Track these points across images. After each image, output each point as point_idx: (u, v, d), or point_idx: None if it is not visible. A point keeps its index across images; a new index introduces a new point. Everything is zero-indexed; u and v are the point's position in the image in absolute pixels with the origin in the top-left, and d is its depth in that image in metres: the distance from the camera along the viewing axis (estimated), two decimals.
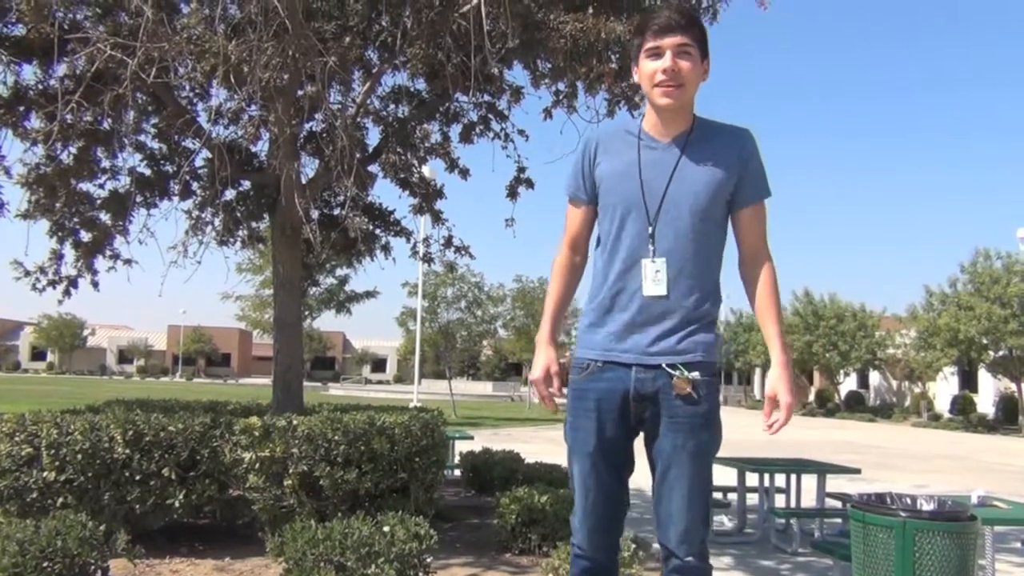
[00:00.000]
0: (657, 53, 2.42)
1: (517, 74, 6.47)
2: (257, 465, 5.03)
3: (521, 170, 7.22)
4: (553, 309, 2.69)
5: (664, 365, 2.43)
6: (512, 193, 7.21)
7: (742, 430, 15.77)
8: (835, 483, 7.77)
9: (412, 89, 7.13)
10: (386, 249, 7.86)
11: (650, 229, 2.46)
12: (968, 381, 37.66)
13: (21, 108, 6.12)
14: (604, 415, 2.49)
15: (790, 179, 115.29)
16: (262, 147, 7.09)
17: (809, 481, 7.22)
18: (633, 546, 4.62)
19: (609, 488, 2.53)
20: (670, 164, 2.48)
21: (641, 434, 2.56)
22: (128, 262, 7.07)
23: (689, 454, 2.43)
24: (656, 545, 2.68)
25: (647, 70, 2.45)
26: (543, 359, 2.58)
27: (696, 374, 2.41)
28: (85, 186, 6.79)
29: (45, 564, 3.87)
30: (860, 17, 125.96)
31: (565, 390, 2.63)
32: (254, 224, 7.69)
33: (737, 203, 2.52)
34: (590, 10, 5.33)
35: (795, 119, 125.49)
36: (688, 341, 2.45)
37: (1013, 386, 31.84)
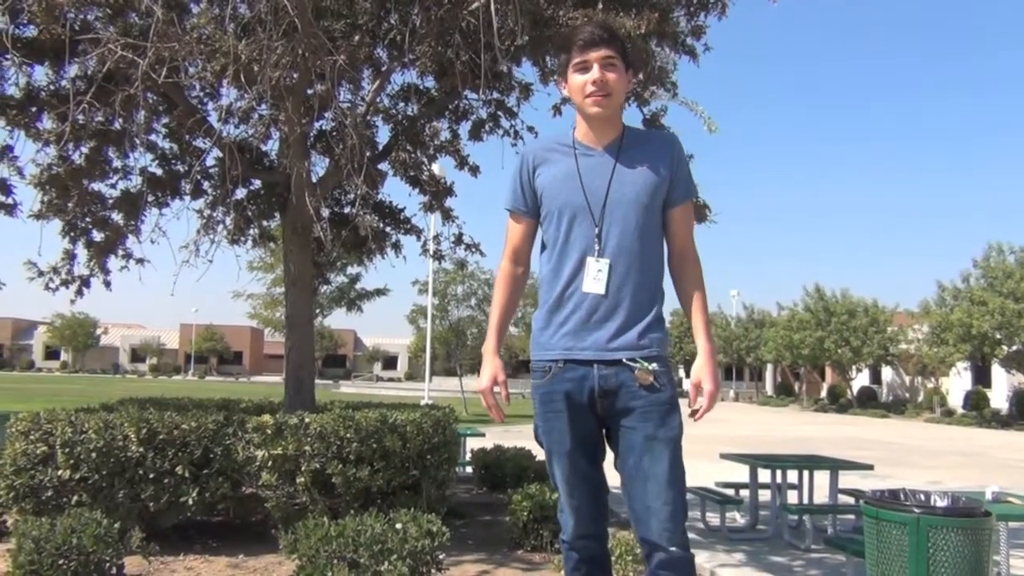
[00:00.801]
0: (584, 67, 2.57)
1: (526, 71, 6.50)
2: (270, 463, 5.05)
3: None
4: (498, 320, 2.77)
5: (624, 359, 2.53)
6: None
7: (753, 426, 15.72)
8: (848, 479, 7.74)
9: (421, 87, 7.14)
10: (396, 247, 7.88)
11: (596, 230, 2.57)
12: (981, 376, 37.42)
13: (33, 109, 6.16)
14: (574, 413, 2.57)
15: (804, 177, 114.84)
16: (272, 146, 7.12)
17: (822, 477, 7.19)
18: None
19: (591, 479, 2.63)
20: (607, 168, 2.61)
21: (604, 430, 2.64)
22: (140, 261, 7.11)
23: (662, 441, 2.50)
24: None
25: (576, 83, 2.59)
26: (490, 369, 2.67)
27: (655, 365, 2.52)
28: (97, 186, 6.83)
29: (61, 561, 3.90)
30: (874, 19, 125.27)
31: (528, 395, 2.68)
32: (265, 223, 7.72)
33: (668, 203, 2.66)
34: (599, 6, 5.32)
35: (807, 117, 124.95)
36: (646, 338, 2.55)
37: None
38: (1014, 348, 30.48)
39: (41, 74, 6.19)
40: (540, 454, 8.41)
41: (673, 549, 2.45)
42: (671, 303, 2.72)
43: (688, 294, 2.67)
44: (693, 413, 2.55)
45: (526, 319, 34.38)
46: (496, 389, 2.65)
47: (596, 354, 2.54)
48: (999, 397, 35.04)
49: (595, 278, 2.55)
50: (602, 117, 2.60)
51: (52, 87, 6.19)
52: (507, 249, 2.79)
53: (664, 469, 2.48)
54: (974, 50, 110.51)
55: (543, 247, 2.72)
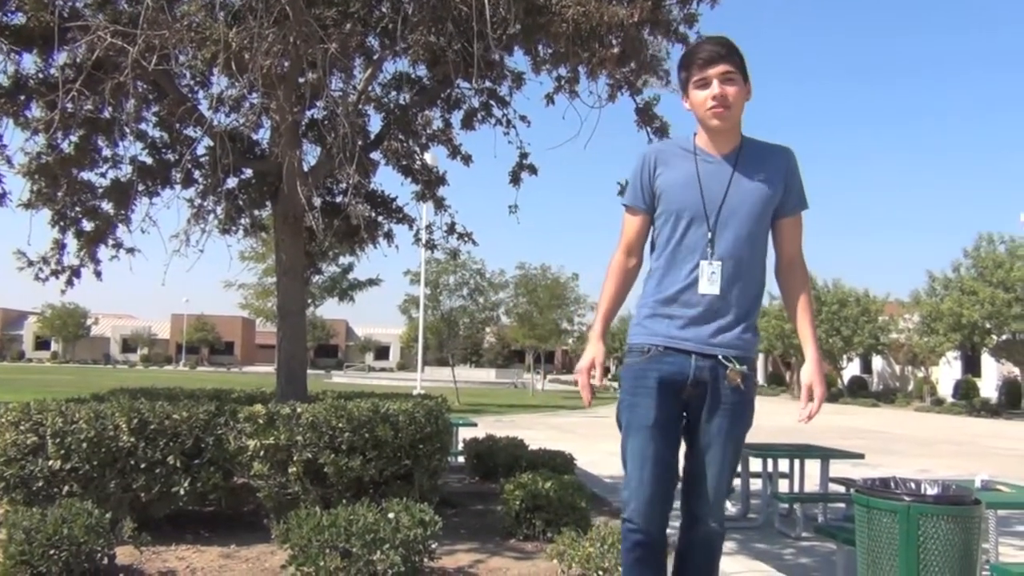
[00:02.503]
0: (705, 83, 2.71)
1: (518, 60, 6.47)
2: (262, 453, 5.04)
3: (523, 156, 7.20)
4: (606, 308, 2.91)
5: (720, 356, 2.71)
6: (515, 179, 7.19)
7: None
8: (838, 468, 7.78)
9: (413, 76, 7.10)
10: (389, 236, 7.85)
11: (710, 234, 2.73)
12: (971, 366, 37.65)
13: (22, 97, 6.10)
14: (663, 394, 2.73)
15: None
16: (264, 135, 7.07)
17: (813, 466, 7.23)
18: None
19: (663, 460, 2.75)
20: (726, 176, 2.75)
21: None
22: (131, 251, 7.06)
23: (730, 437, 2.75)
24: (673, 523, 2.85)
25: (698, 99, 2.74)
26: (591, 352, 2.82)
27: (744, 367, 2.72)
28: (87, 175, 6.77)
29: (52, 552, 3.89)
30: (863, 3, 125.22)
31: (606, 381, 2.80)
32: (256, 212, 7.68)
33: (779, 213, 2.81)
34: None
35: (799, 104, 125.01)
36: (741, 339, 2.75)
37: (1016, 370, 31.86)
38: (1004, 337, 30.67)
39: (29, 62, 6.13)
40: (533, 443, 8.35)
41: (714, 524, 2.78)
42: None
43: (796, 301, 2.84)
44: (808, 416, 2.72)
45: (518, 308, 34.43)
46: (593, 372, 2.78)
47: (696, 346, 2.72)
48: (988, 386, 35.26)
49: (710, 280, 2.71)
50: (723, 129, 2.73)
51: (41, 75, 6.12)
52: (622, 242, 2.92)
53: (728, 460, 2.76)
54: (971, 32, 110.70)
55: (653, 244, 2.87)
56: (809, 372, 2.74)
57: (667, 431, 2.75)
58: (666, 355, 2.73)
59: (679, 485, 2.85)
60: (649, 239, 2.91)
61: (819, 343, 2.82)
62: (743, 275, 2.74)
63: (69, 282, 6.92)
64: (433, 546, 4.18)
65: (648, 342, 2.77)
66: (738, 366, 2.69)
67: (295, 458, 5.03)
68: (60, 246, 6.86)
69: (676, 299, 2.75)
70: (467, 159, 7.44)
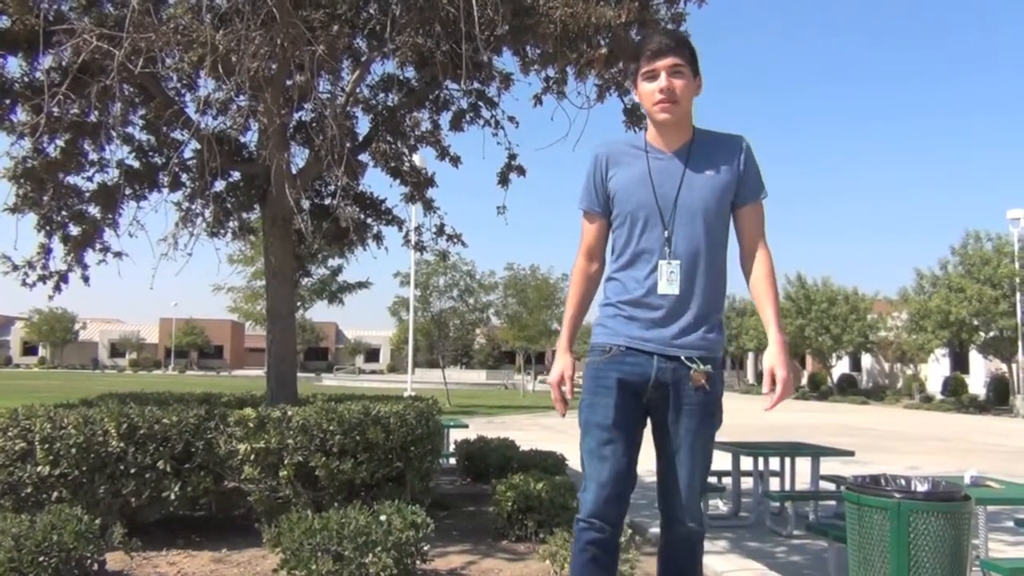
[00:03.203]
0: (653, 75, 2.67)
1: (507, 61, 6.48)
2: (252, 456, 5.02)
3: (512, 157, 7.20)
4: (572, 316, 2.89)
5: (683, 358, 2.66)
6: (503, 180, 7.19)
7: (735, 415, 15.82)
8: (829, 466, 7.81)
9: (401, 77, 7.09)
10: (378, 238, 7.84)
11: (666, 233, 2.69)
12: (959, 362, 37.85)
13: (7, 101, 6.07)
14: (622, 395, 2.69)
15: (784, 166, 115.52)
16: (251, 137, 7.06)
17: (803, 464, 7.25)
18: (630, 531, 4.64)
19: (622, 461, 2.70)
20: (678, 172, 2.71)
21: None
22: (118, 255, 7.02)
23: (699, 437, 2.70)
24: (653, 530, 2.81)
25: (645, 91, 2.70)
26: (560, 364, 2.79)
27: (708, 367, 2.67)
28: (73, 179, 6.73)
29: (41, 559, 3.86)
30: (849, 5, 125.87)
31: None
32: (245, 215, 7.66)
33: (737, 203, 2.76)
34: None
35: (788, 107, 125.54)
36: (705, 339, 2.69)
37: (1004, 367, 32.05)
38: (991, 334, 30.84)
39: (14, 65, 6.10)
40: (524, 444, 8.34)
41: (692, 524, 2.73)
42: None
43: (759, 287, 2.76)
44: (772, 404, 2.66)
45: (508, 310, 34.43)
46: (564, 386, 2.75)
47: (658, 347, 2.67)
48: (977, 383, 35.45)
49: (669, 280, 2.67)
50: (670, 123, 2.70)
51: (26, 79, 6.09)
52: (582, 247, 2.89)
53: (699, 460, 2.71)
54: (963, 31, 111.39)
55: (613, 247, 2.83)
56: (772, 356, 2.62)
57: (625, 432, 2.70)
58: (627, 355, 2.69)
59: (655, 487, 2.81)
60: (610, 242, 2.87)
61: (783, 327, 2.71)
62: (703, 272, 2.69)
63: (57, 287, 6.89)
64: (425, 548, 4.18)
65: (609, 342, 2.73)
66: (702, 366, 2.66)
67: (286, 461, 5.01)
68: (46, 250, 6.82)
69: (637, 301, 2.70)
70: (456, 160, 7.43)
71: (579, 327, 2.90)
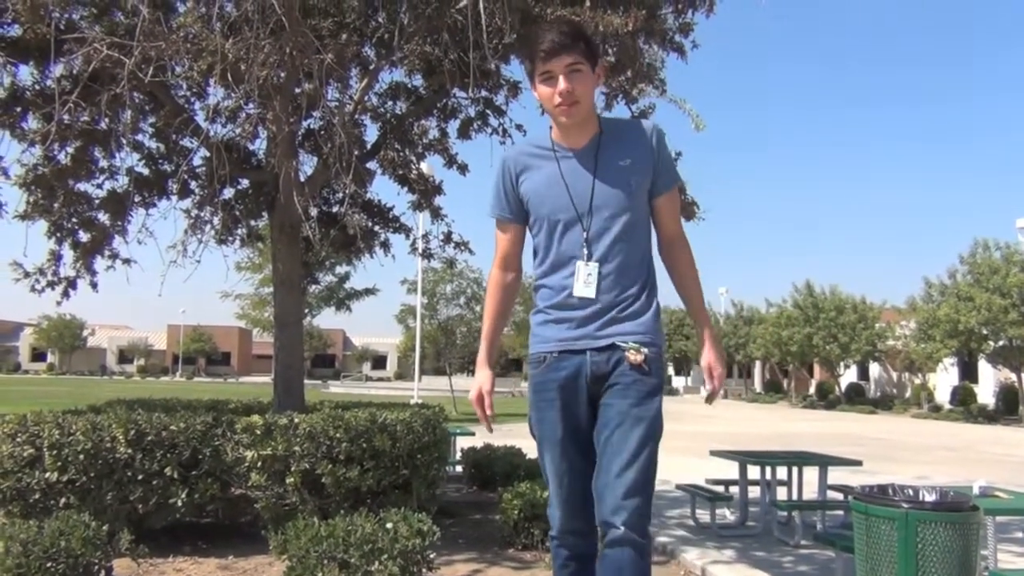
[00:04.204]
0: (550, 76, 2.54)
1: (514, 69, 6.50)
2: (259, 463, 5.03)
3: None
4: (489, 329, 2.79)
5: (616, 342, 2.55)
6: None
7: (742, 423, 15.75)
8: (837, 475, 7.77)
9: (410, 85, 7.12)
10: (385, 246, 7.86)
11: (585, 234, 2.59)
12: (968, 372, 37.66)
13: (18, 109, 6.11)
14: (566, 402, 2.59)
15: (794, 175, 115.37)
16: (260, 145, 7.08)
17: (811, 473, 7.22)
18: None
19: (581, 472, 2.58)
20: (590, 169, 2.61)
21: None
22: (127, 262, 7.07)
23: (635, 419, 2.49)
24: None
25: (544, 93, 2.58)
26: (479, 380, 2.71)
27: (646, 350, 2.55)
28: (83, 186, 6.78)
29: (49, 564, 3.87)
30: (864, 20, 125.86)
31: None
32: (253, 222, 7.69)
33: (653, 193, 2.66)
34: (587, 3, 5.32)
35: (797, 117, 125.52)
36: (636, 324, 2.58)
37: (1013, 376, 31.84)
38: (1000, 343, 30.65)
39: (26, 74, 6.15)
40: (531, 452, 8.36)
41: (622, 528, 2.38)
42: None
43: (681, 281, 2.70)
44: (709, 397, 2.62)
45: (515, 317, 34.42)
46: (484, 403, 2.67)
47: (588, 343, 2.57)
48: (986, 392, 35.25)
49: (585, 282, 2.58)
50: (574, 124, 2.59)
51: (37, 87, 6.14)
52: (497, 257, 2.80)
53: (631, 446, 2.45)
54: (965, 52, 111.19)
55: (535, 252, 2.73)
56: (706, 352, 2.61)
57: (578, 440, 2.59)
58: (562, 359, 2.60)
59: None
60: (531, 248, 2.77)
61: (711, 321, 2.66)
62: (626, 269, 2.59)
63: (65, 293, 6.92)
64: (431, 556, 4.17)
65: (542, 350, 2.65)
66: (638, 346, 2.53)
67: (293, 468, 5.02)
68: (56, 257, 6.87)
69: (563, 304, 2.61)
70: (463, 168, 7.45)
71: (497, 340, 2.80)
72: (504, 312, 2.81)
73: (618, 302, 2.59)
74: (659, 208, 2.68)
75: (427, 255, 8.16)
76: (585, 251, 2.58)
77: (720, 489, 7.15)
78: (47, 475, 4.86)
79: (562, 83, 2.52)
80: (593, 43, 2.65)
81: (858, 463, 7.22)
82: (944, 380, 37.95)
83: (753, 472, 7.15)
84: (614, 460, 2.46)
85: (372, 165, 7.21)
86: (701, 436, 15.98)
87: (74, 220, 6.84)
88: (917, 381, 38.60)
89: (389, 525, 4.10)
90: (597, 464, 2.52)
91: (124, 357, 75.70)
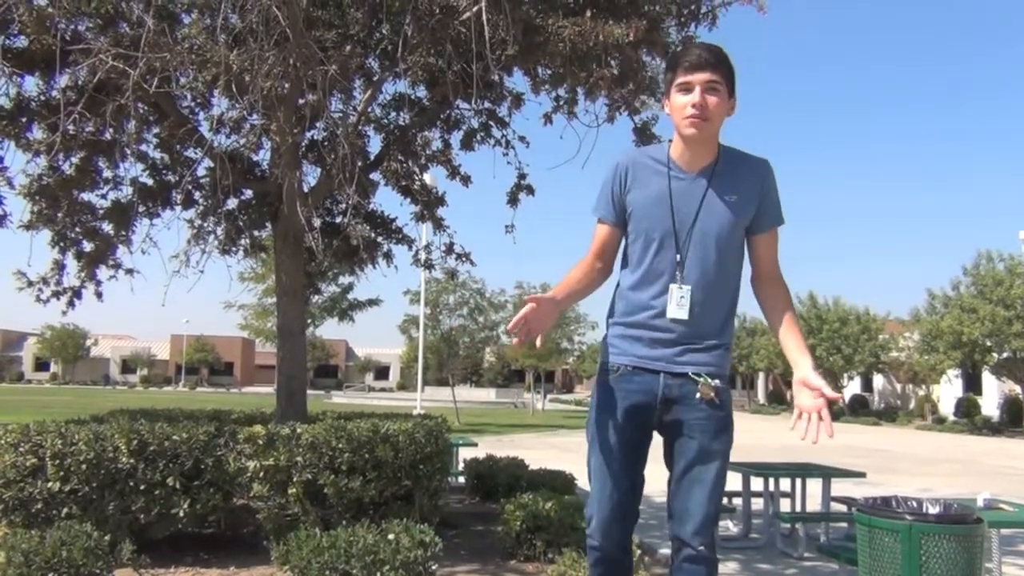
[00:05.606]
0: (687, 88, 2.58)
1: (517, 80, 6.52)
2: (261, 474, 5.03)
3: (522, 177, 7.23)
4: (565, 286, 2.74)
5: (690, 373, 2.63)
6: (513, 200, 7.21)
7: (746, 435, 15.71)
8: (840, 487, 7.74)
9: (413, 97, 7.14)
10: (388, 257, 7.86)
11: (679, 257, 2.65)
12: (972, 384, 37.57)
13: (23, 119, 6.13)
14: (629, 414, 2.67)
15: (795, 185, 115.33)
16: (264, 156, 7.11)
17: (814, 485, 7.20)
18: (639, 551, 4.61)
19: (625, 481, 2.69)
20: (698, 195, 2.65)
21: (658, 438, 2.75)
22: (130, 272, 7.08)
23: (713, 453, 2.64)
24: (663, 551, 2.76)
25: (678, 103, 2.61)
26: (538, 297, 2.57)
27: (717, 382, 2.64)
28: (87, 196, 6.79)
29: (50, 574, 3.88)
30: (870, 24, 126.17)
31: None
32: (256, 233, 7.70)
33: (754, 230, 2.72)
34: (588, 14, 5.34)
35: (798, 126, 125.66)
36: (712, 355, 2.66)
37: (1017, 388, 31.77)
38: (1004, 355, 30.59)
39: (31, 84, 6.17)
40: (533, 463, 8.32)
41: (701, 548, 2.61)
42: None
43: (778, 316, 2.72)
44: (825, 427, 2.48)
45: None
46: (527, 307, 2.52)
47: (664, 366, 2.65)
48: (990, 404, 35.17)
49: (679, 304, 2.64)
50: (698, 140, 2.62)
51: (42, 97, 6.17)
52: (592, 247, 2.82)
53: (711, 478, 2.63)
54: (971, 55, 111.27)
55: (625, 261, 2.79)
56: (812, 378, 2.51)
57: (632, 450, 2.68)
58: (635, 374, 2.67)
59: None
60: (622, 252, 2.82)
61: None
62: (714, 298, 2.66)
63: (70, 303, 6.94)
64: (433, 567, 4.17)
65: (617, 361, 2.71)
66: (710, 380, 2.61)
67: (295, 479, 5.01)
68: (60, 267, 6.88)
69: (645, 322, 2.68)
70: (466, 179, 7.46)
71: (567, 296, 2.73)
72: (583, 285, 2.77)
73: (701, 331, 2.65)
74: (757, 244, 2.74)
75: (429, 266, 8.16)
76: (679, 273, 2.65)
77: (723, 500, 7.12)
78: (49, 485, 4.85)
79: (697, 95, 2.56)
80: (734, 72, 2.67)
81: (862, 475, 7.19)
82: (948, 392, 37.87)
83: (756, 484, 7.13)
84: (695, 489, 2.63)
85: (375, 176, 7.22)
86: None
87: (78, 230, 6.86)
88: (921, 393, 38.54)
89: (391, 536, 4.09)
90: (675, 487, 2.67)
91: (127, 367, 75.76)
